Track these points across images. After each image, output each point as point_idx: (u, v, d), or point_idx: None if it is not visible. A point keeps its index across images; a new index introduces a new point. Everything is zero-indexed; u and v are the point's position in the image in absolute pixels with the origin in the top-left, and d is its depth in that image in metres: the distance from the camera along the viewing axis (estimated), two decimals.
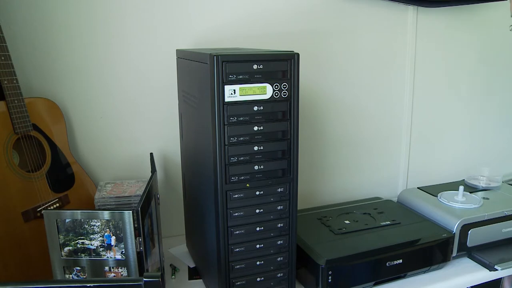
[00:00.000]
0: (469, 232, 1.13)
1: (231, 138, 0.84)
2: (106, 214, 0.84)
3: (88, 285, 0.59)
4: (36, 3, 1.09)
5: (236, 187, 0.87)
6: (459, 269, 1.13)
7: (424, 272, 1.11)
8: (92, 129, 1.20)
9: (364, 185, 1.53)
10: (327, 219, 1.19)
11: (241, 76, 0.81)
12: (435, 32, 1.50)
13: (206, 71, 0.82)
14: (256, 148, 0.86)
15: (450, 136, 1.63)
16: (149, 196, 0.96)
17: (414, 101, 1.53)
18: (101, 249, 0.86)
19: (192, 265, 1.16)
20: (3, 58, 0.96)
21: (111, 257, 0.86)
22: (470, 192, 1.30)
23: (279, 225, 0.92)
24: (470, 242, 1.14)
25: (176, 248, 1.25)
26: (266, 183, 0.89)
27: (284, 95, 0.85)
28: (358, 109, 1.45)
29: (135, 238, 0.85)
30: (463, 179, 1.43)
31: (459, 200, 1.23)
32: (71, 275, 0.88)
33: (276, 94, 0.85)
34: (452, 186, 1.36)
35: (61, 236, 0.85)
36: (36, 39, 1.11)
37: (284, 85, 0.85)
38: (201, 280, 1.09)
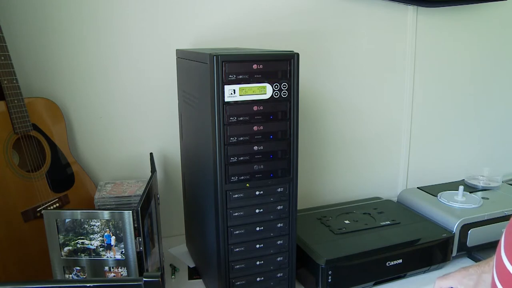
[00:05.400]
0: (469, 232, 1.13)
1: (231, 138, 0.84)
2: (106, 214, 0.84)
3: (88, 285, 0.59)
4: (36, 3, 1.09)
5: (236, 187, 0.87)
6: None
7: (424, 272, 1.11)
8: (92, 129, 1.20)
9: (364, 185, 1.53)
10: (327, 219, 1.19)
11: (241, 76, 0.81)
12: (435, 32, 1.50)
13: (206, 71, 0.82)
14: (256, 148, 0.86)
15: (450, 136, 1.63)
16: (149, 196, 0.96)
17: (414, 101, 1.53)
18: (101, 249, 0.86)
19: (192, 265, 1.16)
20: (3, 58, 0.96)
21: (111, 257, 0.86)
22: (470, 192, 1.30)
23: (279, 225, 0.92)
24: (470, 242, 1.14)
25: (176, 248, 1.25)
26: (266, 183, 0.89)
27: (284, 95, 0.85)
28: (358, 109, 1.45)
29: (135, 238, 0.85)
30: (463, 179, 1.43)
31: (459, 200, 1.23)
32: (71, 275, 0.88)
33: (276, 94, 0.85)
34: (452, 186, 1.36)
35: (61, 236, 0.85)
36: (36, 39, 1.11)
37: (284, 85, 0.85)
38: (201, 280, 1.09)
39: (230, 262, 0.90)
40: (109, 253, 0.86)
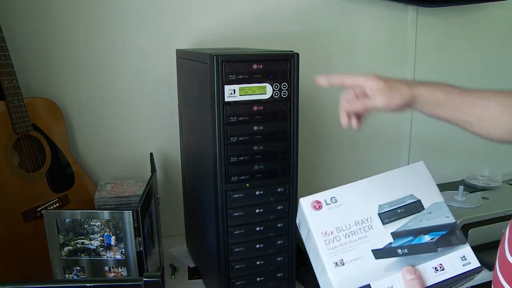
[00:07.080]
0: (469, 232, 1.13)
1: (231, 138, 0.84)
2: (106, 214, 0.84)
3: (88, 285, 0.59)
4: (36, 3, 1.09)
5: (236, 187, 0.87)
6: None
7: None
8: (92, 129, 1.20)
9: None
10: None
11: (241, 76, 0.81)
12: (435, 32, 1.49)
13: (206, 71, 0.82)
14: (256, 148, 0.86)
15: (450, 136, 1.63)
16: (149, 196, 0.96)
17: None
18: (101, 249, 0.86)
19: (192, 265, 1.16)
20: (3, 58, 0.96)
21: (111, 257, 0.86)
22: (470, 192, 1.30)
23: (279, 225, 0.92)
24: (470, 242, 1.12)
25: (176, 248, 1.25)
26: (266, 183, 0.89)
27: (284, 95, 0.85)
28: None
29: (135, 238, 0.85)
30: (463, 179, 1.43)
31: (459, 199, 1.23)
32: (71, 275, 0.88)
33: (276, 94, 0.85)
34: (452, 186, 1.36)
35: (61, 236, 0.85)
36: (36, 39, 1.11)
37: (284, 85, 0.85)
38: (201, 280, 1.09)
39: (230, 262, 0.90)
40: (109, 253, 0.86)
